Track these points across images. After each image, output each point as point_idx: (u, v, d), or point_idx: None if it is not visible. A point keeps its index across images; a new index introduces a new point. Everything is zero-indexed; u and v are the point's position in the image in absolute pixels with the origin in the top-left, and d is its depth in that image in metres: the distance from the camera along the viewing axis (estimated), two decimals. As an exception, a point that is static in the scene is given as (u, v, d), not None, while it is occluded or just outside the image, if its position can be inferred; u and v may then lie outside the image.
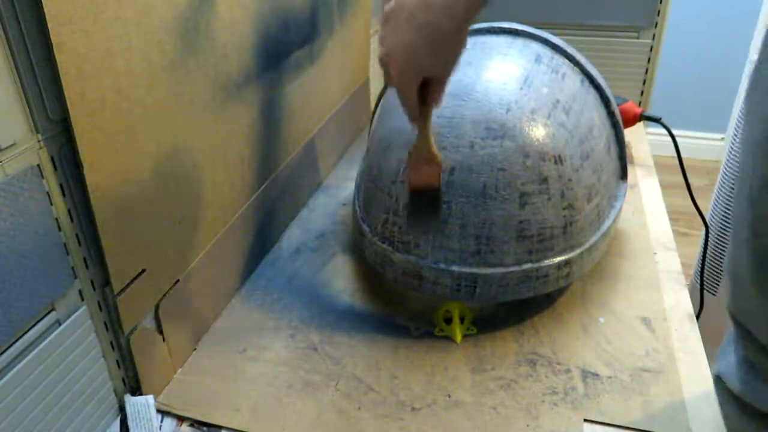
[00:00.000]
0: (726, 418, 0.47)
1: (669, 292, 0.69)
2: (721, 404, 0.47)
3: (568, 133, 0.60)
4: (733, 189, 1.03)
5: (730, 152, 1.03)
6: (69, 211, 0.45)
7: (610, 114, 0.68)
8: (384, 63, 0.49)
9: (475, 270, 0.59)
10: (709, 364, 0.59)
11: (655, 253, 0.76)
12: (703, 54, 2.13)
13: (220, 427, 0.54)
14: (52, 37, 0.39)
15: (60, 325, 0.46)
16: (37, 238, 0.42)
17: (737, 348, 0.45)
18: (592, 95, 0.66)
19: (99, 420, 0.52)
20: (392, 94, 0.68)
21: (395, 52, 0.48)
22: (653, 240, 0.78)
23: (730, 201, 1.04)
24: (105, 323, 0.51)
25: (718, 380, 0.47)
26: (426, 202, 0.58)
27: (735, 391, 0.44)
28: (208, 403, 0.56)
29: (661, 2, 1.07)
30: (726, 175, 1.05)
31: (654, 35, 1.09)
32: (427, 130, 0.54)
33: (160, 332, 0.57)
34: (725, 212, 1.05)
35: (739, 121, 1.01)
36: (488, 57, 0.63)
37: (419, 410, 0.55)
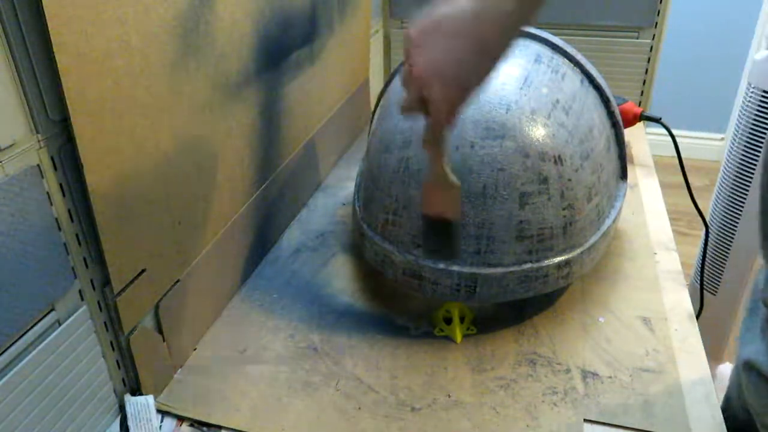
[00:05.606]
0: (763, 407, 0.45)
1: (669, 292, 0.69)
2: (755, 392, 0.45)
3: (567, 133, 0.60)
4: (733, 189, 1.03)
5: (730, 152, 1.03)
6: (69, 211, 0.45)
7: (610, 114, 0.68)
8: (421, 83, 0.44)
9: (475, 270, 0.59)
10: (710, 363, 0.59)
11: (655, 253, 0.76)
12: (703, 54, 2.13)
13: (220, 427, 0.54)
14: (52, 37, 0.39)
15: (60, 325, 0.46)
16: (37, 238, 0.42)
17: None
18: (592, 95, 0.66)
19: (99, 420, 0.52)
20: (392, 94, 0.68)
21: (440, 68, 0.43)
22: (653, 240, 0.78)
23: (730, 201, 1.04)
24: (105, 323, 0.51)
25: (749, 367, 0.46)
26: (442, 230, 0.54)
27: None
28: (208, 403, 0.56)
29: (661, 2, 1.07)
30: (726, 175, 1.05)
31: (654, 35, 1.09)
32: (442, 153, 0.50)
33: (160, 332, 0.57)
34: (725, 212, 1.05)
35: (739, 120, 1.01)
36: (488, 57, 0.63)
37: (419, 410, 0.55)
